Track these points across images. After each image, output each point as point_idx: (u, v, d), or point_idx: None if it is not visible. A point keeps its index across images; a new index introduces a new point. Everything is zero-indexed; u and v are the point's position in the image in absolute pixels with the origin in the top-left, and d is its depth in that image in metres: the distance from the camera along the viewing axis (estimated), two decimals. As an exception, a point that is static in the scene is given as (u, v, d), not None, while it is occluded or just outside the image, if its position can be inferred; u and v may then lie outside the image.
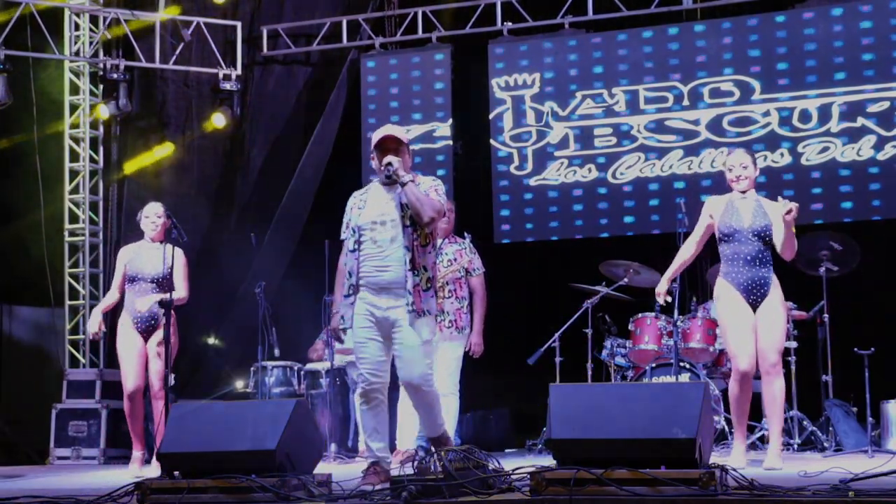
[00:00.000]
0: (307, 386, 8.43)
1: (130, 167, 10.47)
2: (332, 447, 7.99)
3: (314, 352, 8.94)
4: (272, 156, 10.72)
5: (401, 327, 5.41)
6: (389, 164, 5.47)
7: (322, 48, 10.79)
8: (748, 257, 6.13)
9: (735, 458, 6.16)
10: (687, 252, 6.47)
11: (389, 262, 5.45)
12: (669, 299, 6.65)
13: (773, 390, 6.15)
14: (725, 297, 6.21)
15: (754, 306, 6.12)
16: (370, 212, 5.61)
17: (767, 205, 6.23)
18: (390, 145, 5.55)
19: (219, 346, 10.12)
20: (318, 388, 8.40)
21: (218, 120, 10.43)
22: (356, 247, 5.58)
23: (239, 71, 10.59)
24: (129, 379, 7.07)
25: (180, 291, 6.99)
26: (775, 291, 6.16)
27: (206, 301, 9.97)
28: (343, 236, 5.83)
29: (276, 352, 8.25)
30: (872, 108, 9.12)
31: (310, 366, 8.60)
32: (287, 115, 10.83)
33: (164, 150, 10.52)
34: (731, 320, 6.16)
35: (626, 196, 9.79)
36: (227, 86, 10.43)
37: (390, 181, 5.52)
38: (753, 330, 6.13)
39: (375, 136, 5.59)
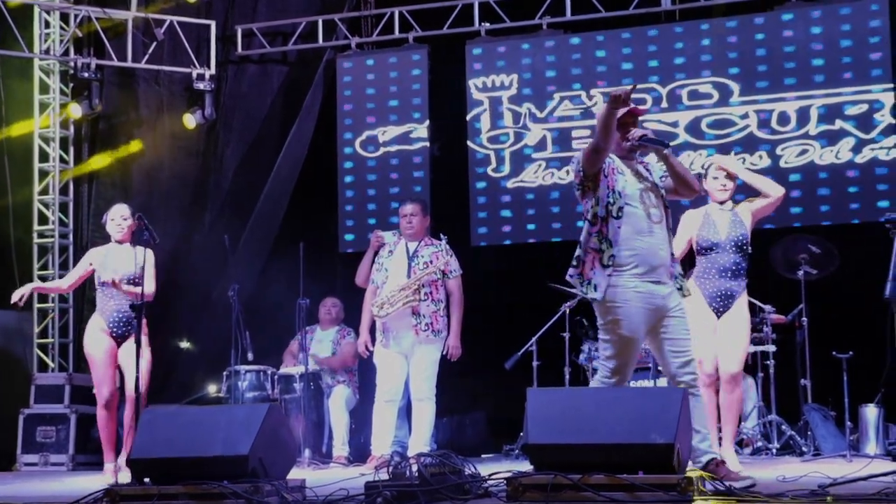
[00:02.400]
0: (281, 390, 8.40)
1: (100, 168, 10.39)
2: (306, 453, 7.96)
3: (290, 354, 8.93)
4: (247, 157, 10.68)
5: (678, 313, 5.27)
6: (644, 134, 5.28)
7: (297, 48, 10.75)
8: (722, 268, 6.25)
9: None
10: None
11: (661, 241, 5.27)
12: None
13: (732, 399, 6.30)
14: (694, 303, 6.28)
15: (718, 314, 6.23)
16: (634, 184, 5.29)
17: (741, 211, 6.29)
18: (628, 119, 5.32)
19: (191, 349, 10.06)
20: (292, 392, 8.36)
21: (190, 120, 10.38)
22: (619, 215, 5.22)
23: (212, 70, 10.54)
24: (104, 386, 7.03)
25: (148, 287, 6.93)
26: (741, 303, 6.24)
27: (179, 304, 9.94)
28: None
29: (250, 356, 8.21)
30: (851, 111, 9.17)
31: (283, 370, 8.57)
32: (262, 115, 10.78)
33: (135, 151, 10.44)
34: (695, 326, 6.25)
35: (604, 198, 9.77)
36: (201, 85, 10.38)
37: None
38: (715, 335, 6.27)
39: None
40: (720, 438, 6.39)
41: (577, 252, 5.30)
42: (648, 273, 5.14)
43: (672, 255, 5.30)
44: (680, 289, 5.29)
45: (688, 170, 5.43)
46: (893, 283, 4.92)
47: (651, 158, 5.43)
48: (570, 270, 5.32)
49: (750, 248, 6.26)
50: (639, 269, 5.14)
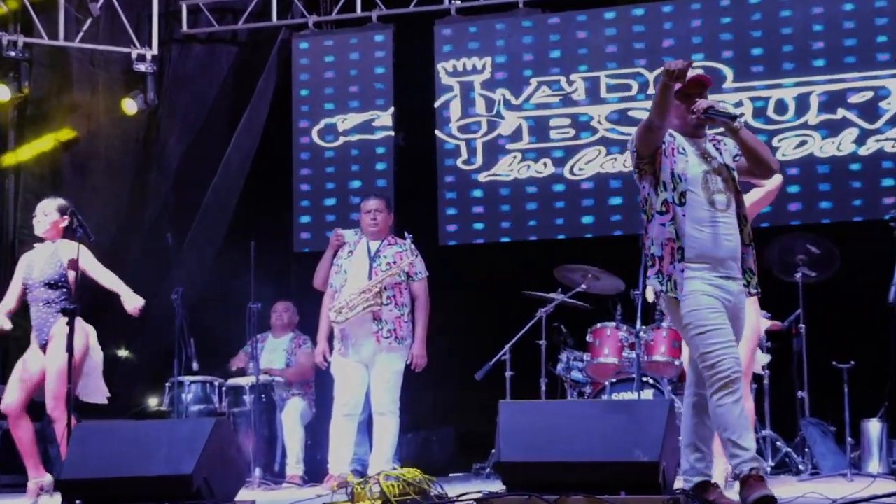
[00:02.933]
0: (229, 403, 8.38)
1: (28, 158, 10.30)
2: (257, 472, 7.95)
3: (235, 363, 8.91)
4: (193, 146, 10.64)
5: (742, 316, 5.18)
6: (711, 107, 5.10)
7: (249, 26, 10.72)
8: None
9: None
10: None
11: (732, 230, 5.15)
12: None
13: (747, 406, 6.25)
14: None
15: None
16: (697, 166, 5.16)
17: None
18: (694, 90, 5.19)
19: (130, 359, 10.01)
20: (242, 405, 8.34)
21: (130, 105, 10.31)
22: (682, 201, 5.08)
23: (155, 51, 10.49)
24: (8, 394, 6.96)
25: (107, 280, 6.95)
26: (750, 307, 6.25)
27: (116, 309, 9.86)
28: None
29: (195, 366, 8.18)
30: (854, 99, 9.23)
31: (232, 381, 8.55)
32: (210, 100, 10.75)
33: (67, 139, 10.36)
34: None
35: (585, 194, 9.82)
36: (142, 67, 10.33)
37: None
38: None
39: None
40: None
41: (651, 249, 5.13)
42: (715, 267, 5.03)
43: (745, 245, 5.14)
44: (747, 285, 5.17)
45: (764, 146, 5.24)
46: (898, 287, 4.96)
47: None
48: (649, 272, 5.19)
49: None
50: (704, 265, 5.02)
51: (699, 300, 4.96)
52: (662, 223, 5.04)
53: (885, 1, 9.23)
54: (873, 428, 7.69)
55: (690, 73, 4.97)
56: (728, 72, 9.55)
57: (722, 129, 5.16)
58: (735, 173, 5.14)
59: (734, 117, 5.06)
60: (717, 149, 5.19)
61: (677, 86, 4.95)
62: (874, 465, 7.59)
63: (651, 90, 9.69)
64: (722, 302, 5.00)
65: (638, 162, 5.16)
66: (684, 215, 4.99)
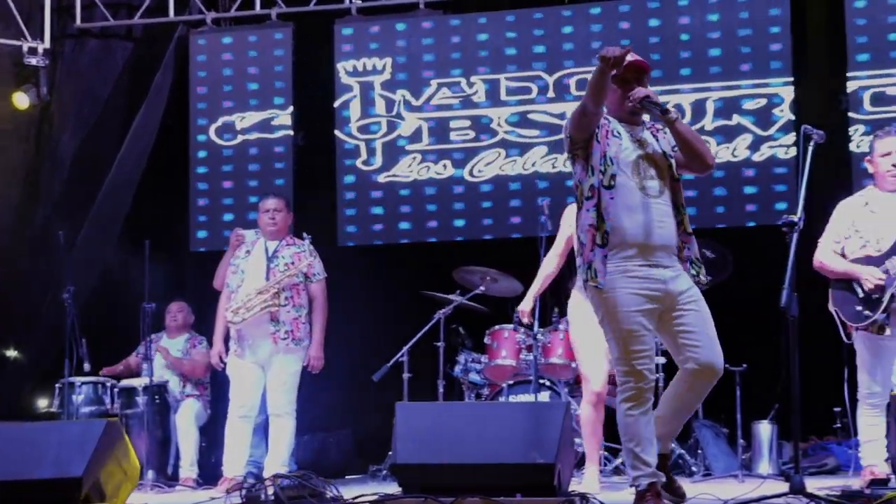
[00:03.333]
0: (121, 405, 8.25)
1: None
2: (150, 474, 7.85)
3: (124, 365, 8.81)
4: (87, 143, 10.44)
5: (690, 298, 5.00)
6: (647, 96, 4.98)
7: (145, 21, 10.55)
8: None
9: (588, 484, 6.35)
10: (549, 266, 6.76)
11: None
12: (532, 321, 6.86)
13: None
14: (576, 312, 6.53)
15: None
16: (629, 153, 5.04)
17: None
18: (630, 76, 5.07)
19: (18, 359, 9.82)
20: (135, 407, 8.23)
21: (21, 100, 10.10)
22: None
23: (47, 44, 10.27)
24: None
25: None
26: None
27: (5, 309, 9.67)
28: None
29: (86, 366, 8.05)
30: (748, 105, 9.39)
31: (125, 382, 8.43)
32: (104, 97, 10.55)
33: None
34: (581, 339, 6.44)
35: (484, 196, 9.86)
36: (33, 61, 10.12)
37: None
38: (604, 349, 6.33)
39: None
40: (609, 448, 6.59)
41: (577, 234, 5.05)
42: (642, 255, 4.90)
43: (686, 234, 5.04)
44: (696, 275, 5.03)
45: (701, 140, 5.15)
46: (790, 291, 5.04)
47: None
48: (578, 260, 5.08)
49: None
50: (630, 251, 4.90)
51: (621, 299, 4.87)
52: (587, 209, 4.95)
53: (779, 10, 9.41)
54: (764, 430, 7.84)
55: (629, 59, 4.88)
56: (626, 76, 9.63)
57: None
58: (673, 161, 5.06)
59: (666, 109, 4.97)
60: (655, 136, 5.11)
61: (613, 72, 4.86)
62: (764, 466, 7.74)
63: (551, 93, 9.76)
64: (648, 296, 4.89)
65: (571, 147, 5.06)
66: (612, 198, 4.89)
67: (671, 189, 5.03)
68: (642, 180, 4.95)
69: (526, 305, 6.89)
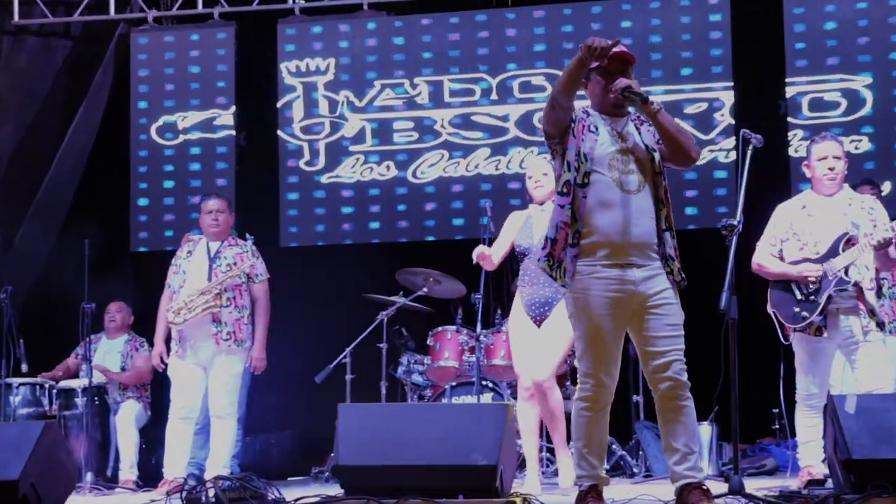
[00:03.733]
0: (60, 406, 8.17)
1: None
2: (89, 476, 7.76)
3: (64, 366, 8.73)
4: (25, 142, 10.33)
5: (660, 301, 4.87)
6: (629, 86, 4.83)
7: (85, 19, 10.46)
8: (535, 274, 6.48)
9: (530, 485, 6.39)
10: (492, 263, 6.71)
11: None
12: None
13: (550, 404, 6.52)
14: (513, 313, 6.63)
15: (537, 322, 6.44)
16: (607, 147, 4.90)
17: None
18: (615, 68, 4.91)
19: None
20: (73, 408, 8.15)
21: (-42, 98, 9.99)
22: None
23: (-16, 41, 10.17)
24: None
25: None
26: (561, 313, 6.40)
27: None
28: None
29: (24, 367, 7.99)
30: (690, 110, 9.48)
31: (63, 383, 8.34)
32: (43, 95, 10.45)
33: None
34: (514, 337, 6.56)
35: (427, 197, 9.88)
36: (-30, 58, 10.02)
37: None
38: (536, 345, 6.50)
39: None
40: (551, 449, 6.64)
41: (548, 231, 4.91)
42: (615, 255, 4.78)
43: (665, 230, 4.89)
44: (671, 272, 4.89)
45: (685, 133, 5.02)
46: (729, 294, 5.10)
47: None
48: (540, 253, 4.96)
49: None
50: (603, 251, 4.79)
51: (589, 301, 4.79)
52: (561, 205, 4.83)
53: (720, 15, 9.51)
54: (704, 431, 7.89)
55: (614, 50, 4.75)
56: (569, 80, 9.68)
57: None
58: (656, 154, 4.91)
59: (646, 99, 4.83)
60: (638, 129, 4.97)
61: (594, 64, 4.77)
62: (704, 467, 7.80)
63: (494, 96, 9.80)
64: (617, 298, 4.79)
65: (548, 141, 4.96)
66: (585, 197, 4.78)
67: (653, 183, 4.88)
68: (620, 175, 4.82)
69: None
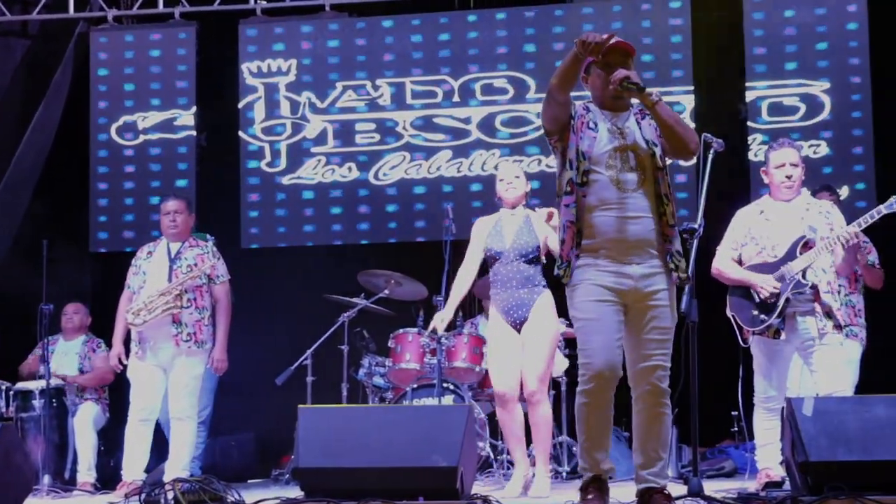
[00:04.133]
0: (17, 408, 8.09)
1: None
2: (46, 479, 7.70)
3: (26, 367, 8.65)
4: (-18, 141, 10.26)
5: (654, 303, 4.82)
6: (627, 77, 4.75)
7: (43, 18, 10.37)
8: (506, 278, 6.50)
9: (511, 487, 6.42)
10: (464, 285, 6.70)
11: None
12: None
13: (536, 417, 6.50)
14: (491, 321, 6.63)
15: (517, 328, 6.43)
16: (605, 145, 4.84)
17: (537, 221, 6.51)
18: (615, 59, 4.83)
19: None
20: (31, 410, 8.08)
21: (-86, 97, 9.89)
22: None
23: (-59, 38, 10.08)
24: None
25: None
26: (539, 315, 6.42)
27: None
28: None
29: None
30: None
31: (21, 385, 8.27)
32: (1, 93, 10.37)
33: None
34: (491, 343, 6.56)
35: (389, 199, 9.88)
36: (-74, 56, 9.92)
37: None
38: (517, 351, 6.49)
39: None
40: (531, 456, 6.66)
41: (559, 233, 4.92)
42: (614, 254, 4.75)
43: (669, 226, 4.82)
44: (675, 269, 4.82)
45: (684, 124, 4.94)
46: (689, 297, 5.13)
47: None
48: (558, 258, 4.95)
49: (541, 258, 6.49)
50: (602, 251, 4.76)
51: (587, 290, 4.75)
52: (567, 204, 4.80)
53: (681, 20, 9.57)
54: (664, 433, 7.93)
55: (612, 41, 4.69)
56: (531, 82, 9.74)
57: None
58: (657, 149, 4.84)
59: (643, 89, 4.77)
60: (639, 123, 4.90)
61: (589, 59, 4.73)
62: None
63: (456, 98, 9.81)
64: (614, 288, 4.75)
65: (548, 138, 4.91)
66: (584, 196, 4.75)
67: (654, 179, 4.82)
68: (618, 173, 4.76)
69: (442, 317, 6.80)
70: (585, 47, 4.60)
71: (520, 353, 6.48)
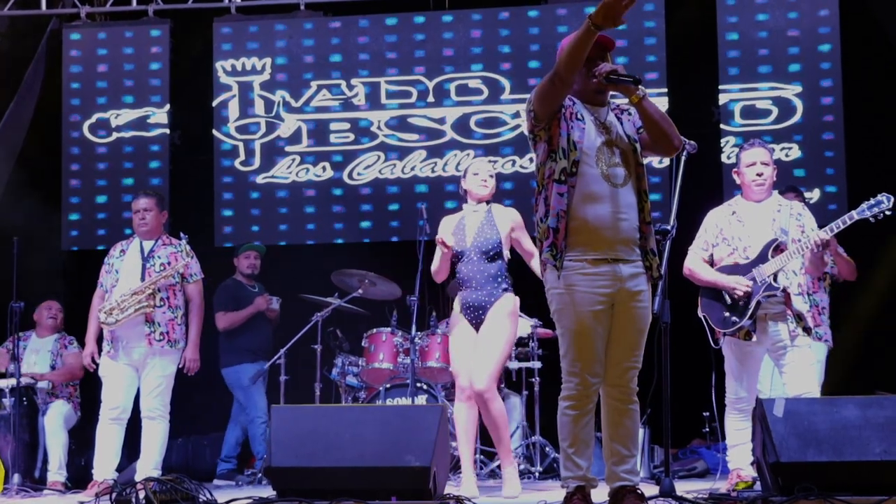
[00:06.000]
0: (-13, 406, 8.07)
1: None
2: (16, 478, 7.65)
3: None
4: (-46, 137, 10.19)
5: (634, 304, 4.79)
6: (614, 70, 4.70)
7: (14, 14, 10.30)
8: (468, 277, 6.49)
9: (466, 487, 6.38)
10: (439, 277, 6.70)
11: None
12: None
13: (492, 414, 6.45)
14: (453, 315, 6.62)
15: (475, 326, 6.47)
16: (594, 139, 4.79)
17: (499, 215, 6.51)
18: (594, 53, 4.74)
19: None
20: (1, 409, 8.04)
21: None
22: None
23: (-89, 34, 10.00)
24: None
25: None
26: (497, 314, 6.42)
27: None
28: None
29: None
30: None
31: (-9, 383, 8.24)
32: (-28, 90, 10.33)
33: None
34: (453, 339, 6.56)
35: (363, 199, 9.88)
36: None
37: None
38: (473, 349, 6.47)
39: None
40: (484, 451, 6.63)
41: (548, 222, 4.74)
42: (603, 249, 4.71)
43: (646, 223, 4.80)
44: (649, 268, 4.81)
45: (668, 119, 4.85)
46: (662, 298, 5.16)
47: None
48: (543, 245, 4.78)
49: (504, 254, 6.47)
50: (591, 244, 4.70)
51: (574, 297, 4.70)
52: (560, 192, 4.71)
53: (654, 22, 9.61)
54: (635, 434, 7.96)
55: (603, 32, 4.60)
56: (506, 83, 9.76)
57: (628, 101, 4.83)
58: (638, 145, 4.83)
59: (637, 81, 4.71)
60: (619, 119, 4.86)
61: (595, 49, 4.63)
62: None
63: (431, 98, 9.82)
64: (604, 293, 4.71)
65: (534, 125, 4.79)
66: (573, 187, 4.69)
67: (636, 175, 4.80)
68: (607, 168, 4.72)
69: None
70: (603, 14, 4.46)
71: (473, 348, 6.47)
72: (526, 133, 4.99)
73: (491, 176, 6.65)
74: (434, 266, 6.56)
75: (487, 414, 6.43)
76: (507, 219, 6.51)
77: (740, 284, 6.14)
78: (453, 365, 6.65)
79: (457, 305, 6.56)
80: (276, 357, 8.34)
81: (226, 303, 8.90)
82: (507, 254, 6.52)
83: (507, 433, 6.55)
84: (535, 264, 6.40)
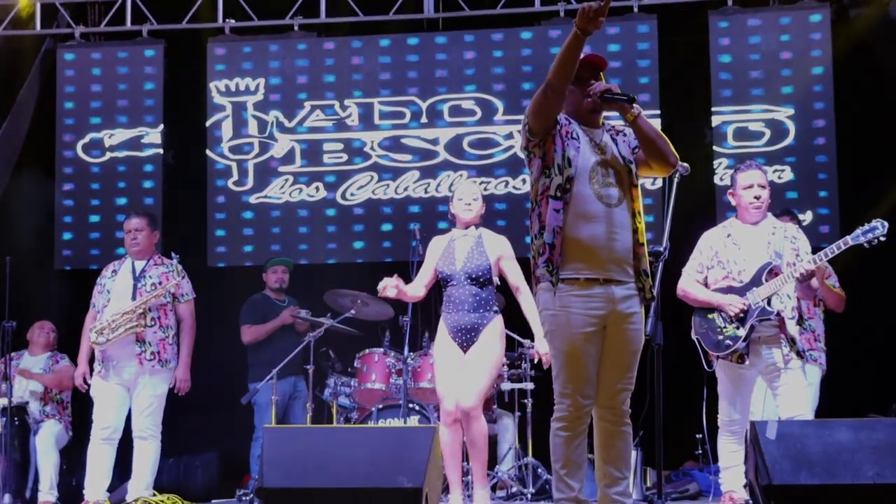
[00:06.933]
0: (-22, 426, 8.03)
1: None
2: (6, 498, 7.65)
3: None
4: (-54, 156, 10.19)
5: (627, 325, 4.79)
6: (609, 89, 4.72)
7: (9, 34, 10.32)
8: (458, 300, 6.50)
9: None
10: (415, 295, 6.70)
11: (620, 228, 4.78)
12: None
13: (474, 433, 6.44)
14: (438, 338, 6.61)
15: (463, 348, 6.48)
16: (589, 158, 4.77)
17: (489, 241, 6.52)
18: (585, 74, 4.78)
19: None
20: (-8, 429, 8.02)
21: None
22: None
23: None
24: None
25: None
26: (488, 336, 6.42)
27: None
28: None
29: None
30: (617, 137, 9.57)
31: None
32: (-34, 109, 10.32)
33: None
34: (439, 362, 6.54)
35: (356, 219, 9.87)
36: None
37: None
38: (461, 370, 6.46)
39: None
40: (492, 480, 6.60)
41: (544, 238, 4.71)
42: (596, 269, 4.69)
43: (639, 244, 4.79)
44: (641, 289, 4.81)
45: (663, 137, 4.86)
46: (655, 319, 5.15)
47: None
48: (539, 260, 4.74)
49: (493, 279, 6.48)
50: (584, 264, 4.69)
51: (568, 319, 4.69)
52: (556, 209, 4.68)
53: (648, 44, 9.62)
54: (628, 455, 7.95)
55: (582, 55, 4.63)
56: (499, 104, 9.77)
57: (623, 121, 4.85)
58: (633, 166, 4.83)
59: (632, 100, 4.72)
60: (614, 140, 4.86)
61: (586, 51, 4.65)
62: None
63: (424, 119, 9.83)
64: (596, 315, 4.70)
65: (528, 141, 4.76)
66: (568, 204, 4.67)
67: (630, 196, 4.80)
68: (601, 188, 4.72)
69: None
70: (586, 17, 4.43)
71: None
72: (520, 151, 5.02)
73: (475, 199, 6.62)
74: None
75: (469, 432, 6.43)
76: (497, 248, 6.52)
77: (735, 304, 6.14)
78: (439, 388, 6.61)
79: (442, 327, 6.55)
80: (268, 377, 8.30)
81: (252, 317, 8.88)
82: (496, 280, 6.54)
83: (485, 455, 6.55)
84: (522, 299, 6.44)
